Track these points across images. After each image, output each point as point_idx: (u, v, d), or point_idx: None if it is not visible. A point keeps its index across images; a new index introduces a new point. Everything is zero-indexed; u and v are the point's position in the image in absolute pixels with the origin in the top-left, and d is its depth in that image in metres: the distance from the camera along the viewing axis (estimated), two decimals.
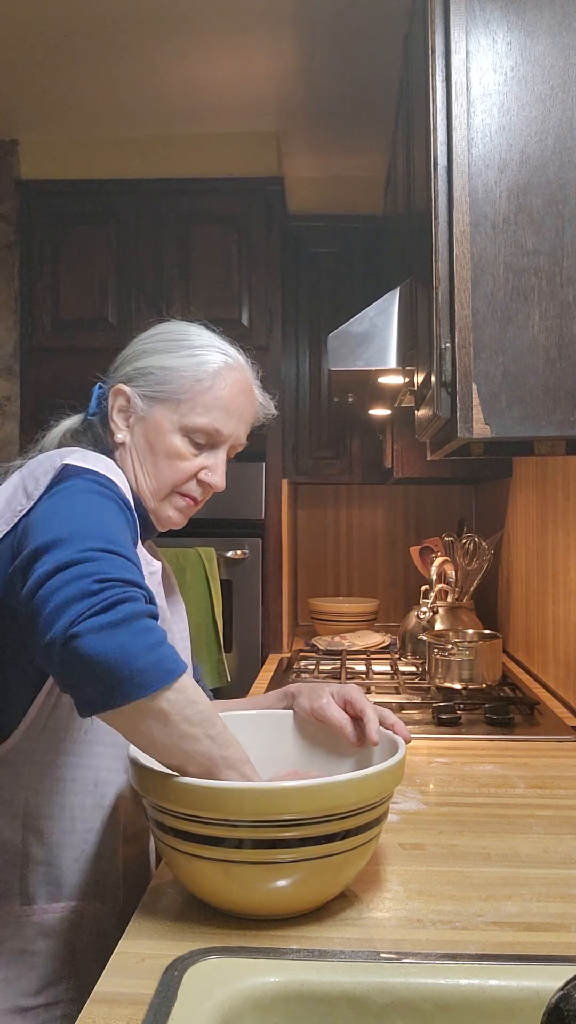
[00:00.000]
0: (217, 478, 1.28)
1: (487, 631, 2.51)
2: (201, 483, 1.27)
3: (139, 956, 0.93)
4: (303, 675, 2.59)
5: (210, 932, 0.98)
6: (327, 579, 3.81)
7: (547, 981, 0.85)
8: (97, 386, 1.31)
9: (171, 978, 0.86)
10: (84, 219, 3.10)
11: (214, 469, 1.27)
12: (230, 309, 3.07)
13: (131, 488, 1.23)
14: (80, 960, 1.16)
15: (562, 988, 0.64)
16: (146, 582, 1.21)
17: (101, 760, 1.18)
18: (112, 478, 1.13)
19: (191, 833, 0.97)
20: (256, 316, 3.07)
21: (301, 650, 3.04)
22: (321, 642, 3.10)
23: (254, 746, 1.24)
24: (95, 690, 0.92)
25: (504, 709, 2.00)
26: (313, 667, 2.67)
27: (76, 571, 0.93)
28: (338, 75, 2.70)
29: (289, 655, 3.02)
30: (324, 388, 3.39)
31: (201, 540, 3.00)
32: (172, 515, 1.28)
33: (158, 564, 1.29)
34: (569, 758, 1.71)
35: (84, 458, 1.14)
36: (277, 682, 2.50)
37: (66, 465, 1.12)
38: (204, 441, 1.26)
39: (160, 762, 0.99)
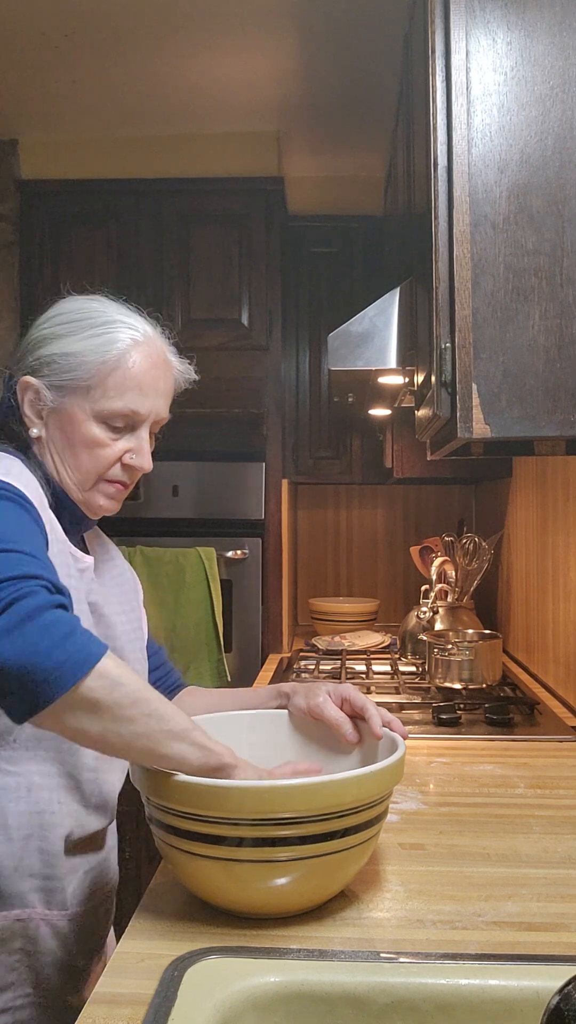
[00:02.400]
0: (142, 460, 1.22)
1: (487, 631, 2.51)
2: (127, 467, 1.22)
3: (139, 956, 0.93)
4: (303, 675, 2.59)
5: (210, 932, 0.98)
6: (327, 579, 3.81)
7: (547, 981, 0.85)
8: (7, 376, 1.25)
9: (171, 978, 0.86)
10: (84, 219, 3.09)
11: (138, 451, 1.21)
12: (230, 309, 3.07)
13: (55, 481, 1.20)
14: (33, 967, 1.14)
15: (562, 988, 0.64)
16: (76, 579, 1.15)
17: (32, 764, 1.14)
18: (8, 480, 1.09)
19: (192, 832, 0.97)
20: (256, 316, 3.07)
21: (301, 650, 3.04)
22: (321, 642, 3.10)
23: (250, 746, 1.24)
24: (16, 697, 0.91)
25: (504, 709, 2.00)
26: (313, 667, 2.67)
27: None
28: (338, 75, 2.69)
29: (289, 655, 3.02)
30: (324, 388, 3.38)
31: (201, 540, 3.00)
32: (103, 503, 1.23)
33: (89, 560, 1.24)
34: (569, 758, 1.71)
35: None
36: (277, 682, 2.50)
37: None
38: (122, 424, 1.20)
39: (104, 753, 0.98)
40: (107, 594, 1.27)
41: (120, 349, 1.18)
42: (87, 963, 1.20)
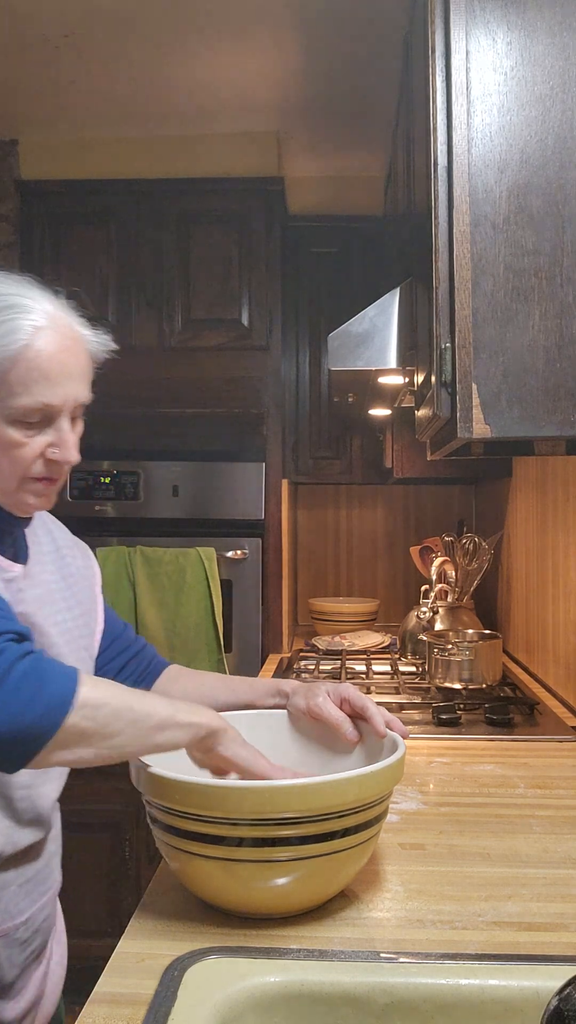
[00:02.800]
0: (66, 452, 1.11)
1: (487, 631, 2.51)
2: (50, 462, 1.11)
3: (139, 956, 0.93)
4: (303, 675, 2.59)
5: (210, 932, 0.98)
6: (327, 579, 3.81)
7: (547, 981, 0.85)
8: None
9: (171, 978, 0.86)
10: (84, 219, 3.09)
11: (60, 444, 1.11)
12: (230, 309, 3.07)
13: None
14: None
15: (562, 989, 0.64)
16: (2, 590, 1.10)
17: None
18: None
19: (192, 832, 0.97)
20: (256, 316, 3.07)
21: (301, 650, 3.04)
22: (321, 642, 3.10)
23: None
24: (5, 755, 0.93)
25: (504, 709, 2.00)
26: (313, 667, 2.67)
27: None
28: (338, 75, 2.69)
29: (289, 655, 3.02)
30: (324, 388, 3.39)
31: (201, 540, 3.00)
32: (32, 502, 1.14)
33: (17, 569, 1.15)
34: (569, 758, 1.71)
35: None
36: None
37: None
38: (37, 419, 1.09)
39: (102, 764, 1.01)
40: (43, 596, 1.20)
41: (21, 339, 1.06)
42: (20, 975, 1.18)
